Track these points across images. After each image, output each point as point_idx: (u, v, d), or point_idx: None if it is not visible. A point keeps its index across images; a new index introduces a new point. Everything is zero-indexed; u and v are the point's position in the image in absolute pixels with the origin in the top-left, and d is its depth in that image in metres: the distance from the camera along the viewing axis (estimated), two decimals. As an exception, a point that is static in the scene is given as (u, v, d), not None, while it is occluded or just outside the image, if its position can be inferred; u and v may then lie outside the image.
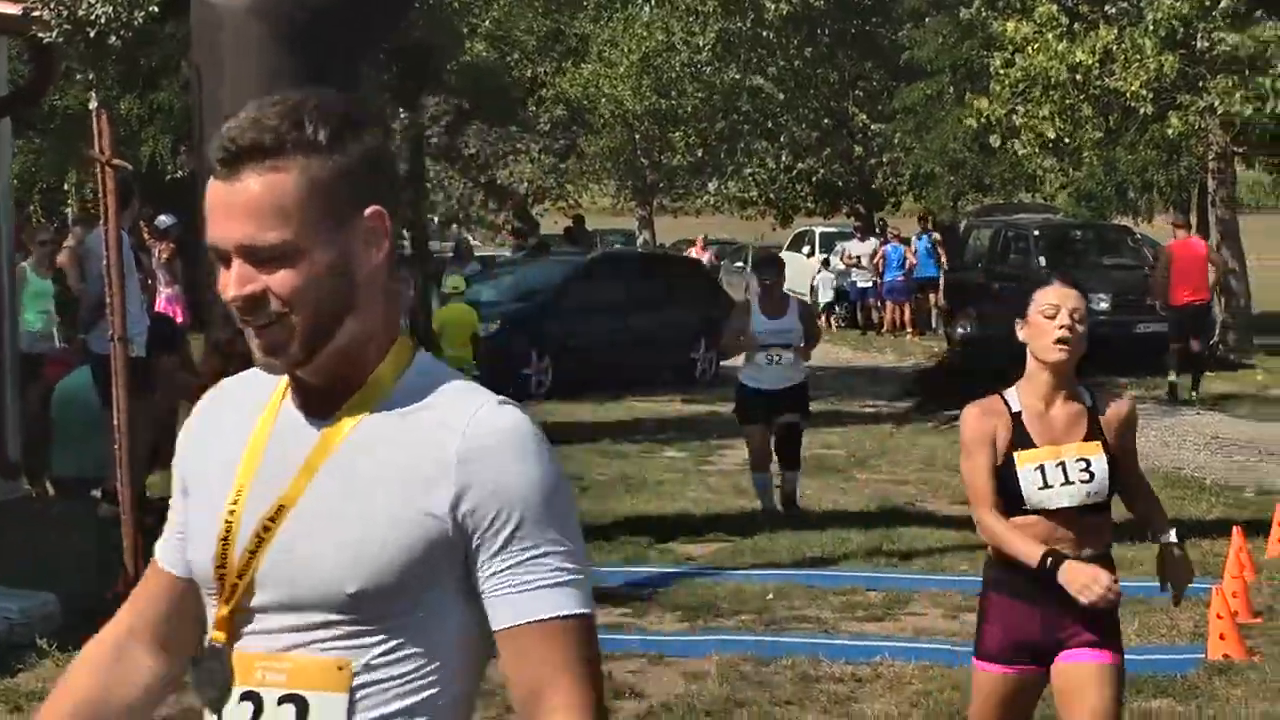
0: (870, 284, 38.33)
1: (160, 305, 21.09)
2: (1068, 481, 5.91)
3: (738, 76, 48.73)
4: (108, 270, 10.56)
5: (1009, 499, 5.92)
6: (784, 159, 49.17)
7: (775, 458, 14.80)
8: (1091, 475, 5.92)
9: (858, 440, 20.02)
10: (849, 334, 38.36)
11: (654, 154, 52.69)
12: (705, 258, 41.02)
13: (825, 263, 41.14)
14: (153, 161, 28.48)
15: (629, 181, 54.84)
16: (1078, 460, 5.91)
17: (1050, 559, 5.70)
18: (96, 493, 14.87)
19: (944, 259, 35.98)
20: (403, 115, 43.51)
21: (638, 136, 51.98)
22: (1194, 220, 37.07)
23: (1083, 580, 5.62)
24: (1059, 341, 5.89)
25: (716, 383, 26.82)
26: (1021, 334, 6.01)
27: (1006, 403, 6.02)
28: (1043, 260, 29.98)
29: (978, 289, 31.09)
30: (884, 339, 36.64)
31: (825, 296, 40.39)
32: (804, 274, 40.66)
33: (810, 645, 10.26)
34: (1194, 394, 24.26)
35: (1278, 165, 33.92)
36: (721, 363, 27.71)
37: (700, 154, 50.85)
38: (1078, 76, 28.58)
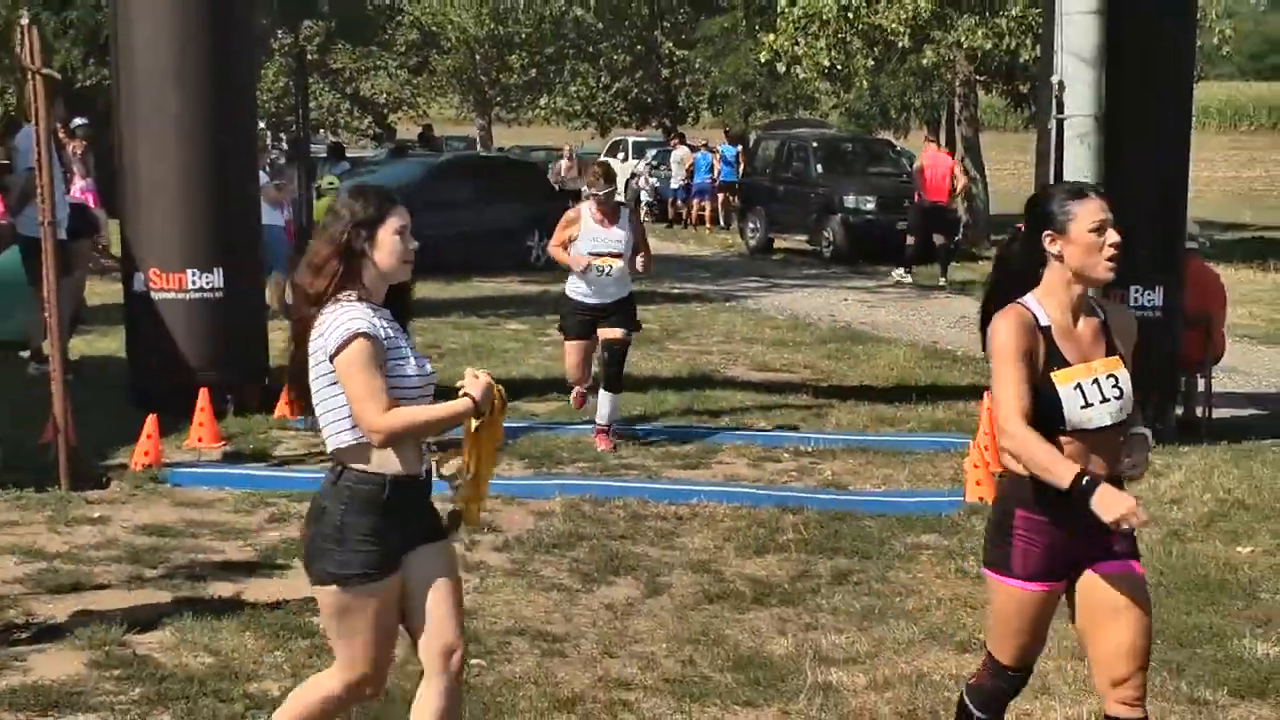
0: (680, 185, 38.20)
1: (75, 194, 20.58)
2: (1104, 399, 4.83)
3: (564, 7, 48.24)
4: (37, 164, 10.22)
5: (1045, 420, 4.78)
6: (603, 79, 48.83)
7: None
8: (1120, 391, 4.85)
9: (668, 316, 19.98)
10: (656, 227, 38.27)
11: (493, 73, 52.11)
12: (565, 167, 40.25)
13: (652, 168, 40.73)
14: (64, 70, 27.61)
15: (471, 96, 54.23)
16: (1108, 377, 4.85)
17: (1086, 480, 4.60)
18: (24, 354, 14.53)
19: (744, 167, 36.16)
20: (282, 35, 42.71)
21: (479, 58, 51.38)
22: (943, 137, 37.40)
23: (1118, 508, 4.54)
24: (1112, 259, 4.85)
25: (549, 267, 26.70)
26: (1054, 247, 4.87)
27: (1035, 317, 4.88)
28: (819, 168, 30.06)
29: (766, 191, 31.13)
30: (688, 231, 36.63)
31: (644, 197, 40.22)
32: (620, 177, 40.44)
33: (638, 489, 10.24)
34: (943, 280, 24.65)
35: (1011, 91, 34.16)
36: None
37: (533, 74, 50.39)
38: (849, 15, 28.63)
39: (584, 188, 11.47)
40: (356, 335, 4.74)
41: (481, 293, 22.46)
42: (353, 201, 4.95)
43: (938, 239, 25.11)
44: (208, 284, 12.44)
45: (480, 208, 25.48)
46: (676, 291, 23.46)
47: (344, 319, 4.77)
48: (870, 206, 28.44)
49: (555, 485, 10.25)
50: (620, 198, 34.37)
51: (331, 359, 4.77)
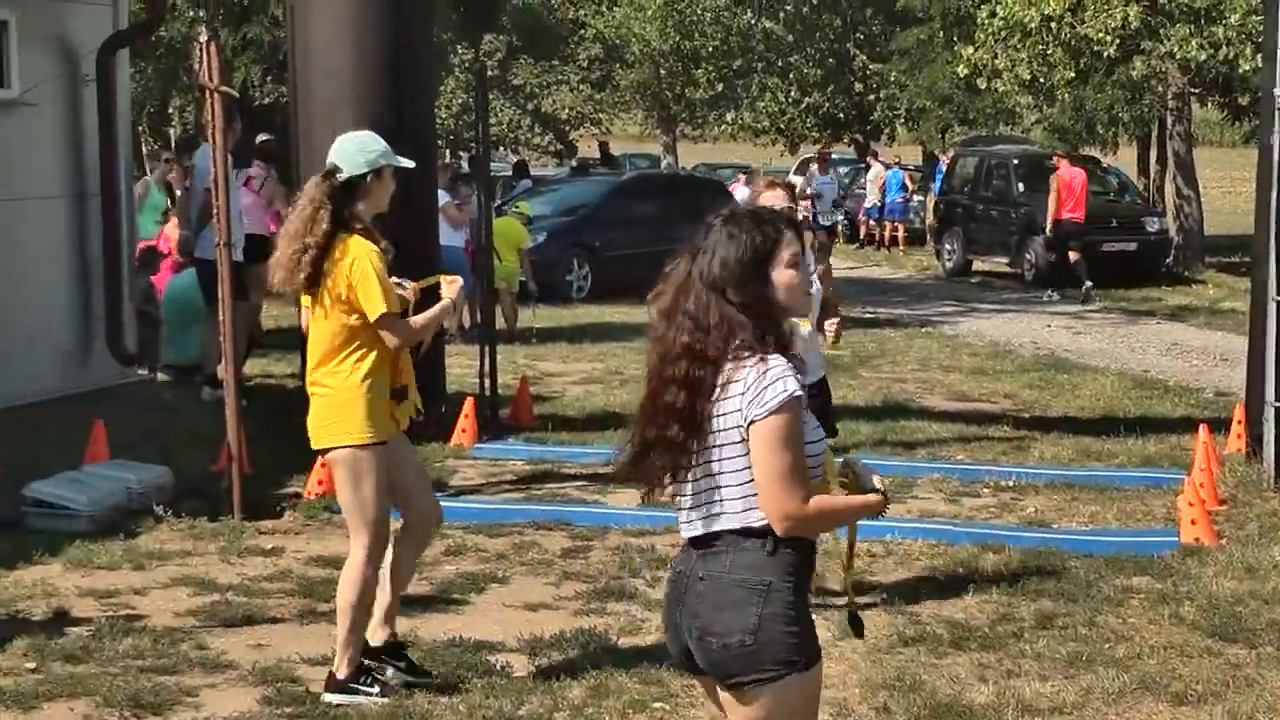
0: (874, 205, 37.94)
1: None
2: None
3: (752, 20, 48.28)
4: (214, 184, 10.41)
5: None
6: (792, 94, 48.72)
7: None
8: None
9: (860, 342, 19.83)
10: (848, 248, 38.08)
11: (678, 87, 52.25)
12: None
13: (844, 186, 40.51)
14: (243, 88, 28.19)
15: (655, 111, 54.43)
16: None
17: None
18: (199, 379, 14.81)
19: (912, 187, 36.53)
20: (462, 50, 43.21)
21: (663, 72, 51.55)
22: (1154, 153, 36.70)
23: None
24: None
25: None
26: None
27: None
28: (1021, 186, 29.70)
29: (964, 211, 30.83)
30: (880, 253, 36.38)
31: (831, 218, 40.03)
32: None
33: (829, 523, 10.14)
34: (1055, 295, 25.63)
35: (1229, 104, 33.45)
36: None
37: (719, 88, 50.42)
38: (1052, 25, 28.26)
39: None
40: (792, 399, 4.18)
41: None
42: (734, 233, 4.35)
43: (1073, 255, 25.72)
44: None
45: (665, 227, 25.52)
46: (869, 316, 23.30)
47: (774, 375, 4.20)
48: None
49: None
50: (826, 220, 34.27)
51: (751, 423, 4.20)
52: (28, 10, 13.77)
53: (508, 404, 13.68)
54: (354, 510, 6.84)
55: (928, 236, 35.47)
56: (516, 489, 11.33)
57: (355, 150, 6.87)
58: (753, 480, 4.23)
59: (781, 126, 49.77)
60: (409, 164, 7.19)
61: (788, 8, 47.84)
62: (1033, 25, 28.23)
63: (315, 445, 6.92)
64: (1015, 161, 30.59)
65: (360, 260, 6.69)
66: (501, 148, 50.16)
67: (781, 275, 4.31)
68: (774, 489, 4.19)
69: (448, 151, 44.88)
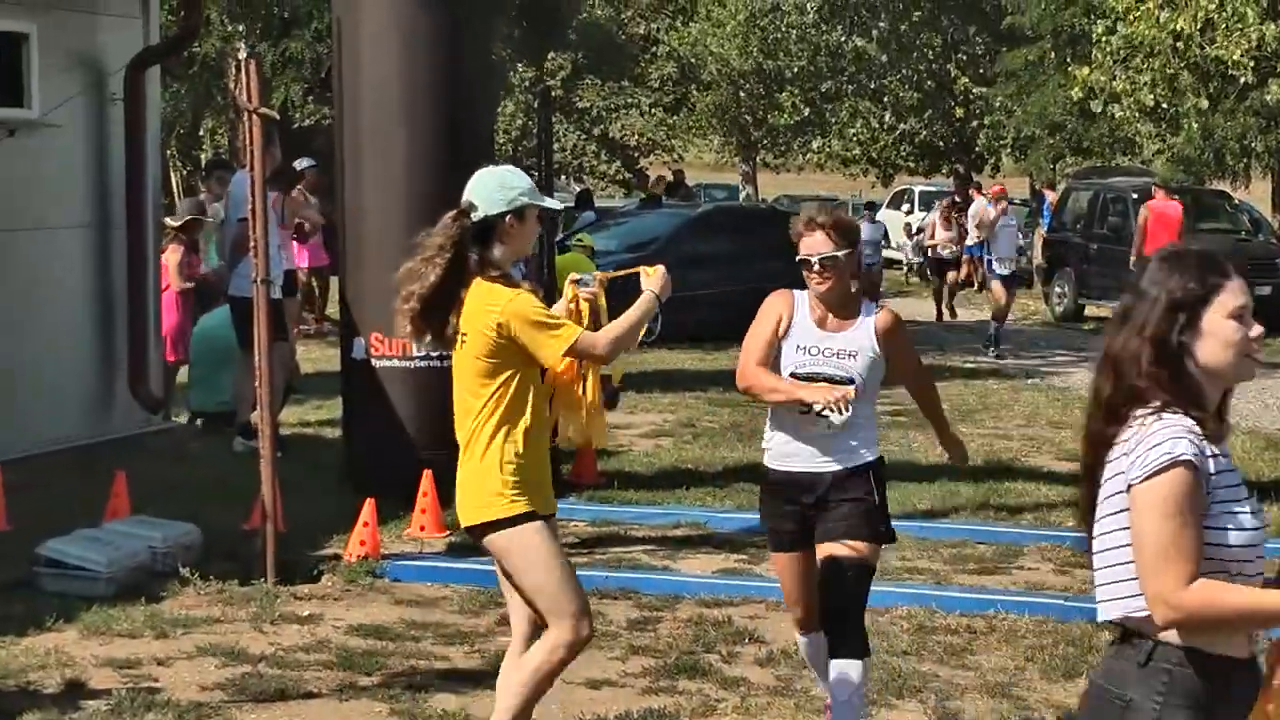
0: (977, 242, 37.76)
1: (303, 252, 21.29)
2: None
3: (843, 38, 48.34)
4: (251, 215, 10.49)
5: None
6: (887, 119, 48.79)
7: None
8: None
9: (959, 395, 19.76)
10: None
11: (759, 112, 52.33)
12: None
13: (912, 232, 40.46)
14: (283, 109, 28.45)
15: (733, 138, 54.52)
16: None
17: None
18: (230, 428, 14.89)
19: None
20: (523, 69, 43.42)
21: (743, 94, 51.65)
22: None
23: None
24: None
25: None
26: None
27: None
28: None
29: (1076, 250, 30.71)
30: (981, 295, 36.23)
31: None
32: (899, 228, 40.25)
33: (925, 597, 10.11)
34: None
35: (1374, 135, 33.27)
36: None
37: (805, 113, 50.49)
38: (1178, 44, 28.17)
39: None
40: (1177, 463, 3.90)
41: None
42: (1165, 274, 4.13)
43: None
44: (435, 351, 12.57)
45: (742, 265, 25.52)
46: (969, 365, 23.22)
47: (1161, 435, 3.95)
48: (1201, 269, 27.87)
49: (828, 590, 10.15)
50: (911, 257, 34.07)
51: (1130, 488, 3.97)
52: (50, 22, 13.88)
53: (569, 459, 13.68)
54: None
55: (1035, 278, 35.35)
56: (578, 553, 11.32)
57: (495, 187, 6.69)
58: (1127, 562, 3.99)
59: (874, 155, 49.90)
60: (556, 205, 7.17)
61: (882, 24, 47.91)
62: (1158, 46, 28.15)
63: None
64: (1134, 195, 30.44)
65: (509, 308, 6.48)
66: (564, 176, 50.38)
67: (1213, 328, 4.08)
68: (1145, 566, 3.89)
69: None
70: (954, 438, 7.79)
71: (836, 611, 7.02)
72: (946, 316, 30.50)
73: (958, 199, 38.97)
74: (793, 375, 7.01)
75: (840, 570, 6.98)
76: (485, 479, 6.49)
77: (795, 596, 7.36)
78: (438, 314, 6.57)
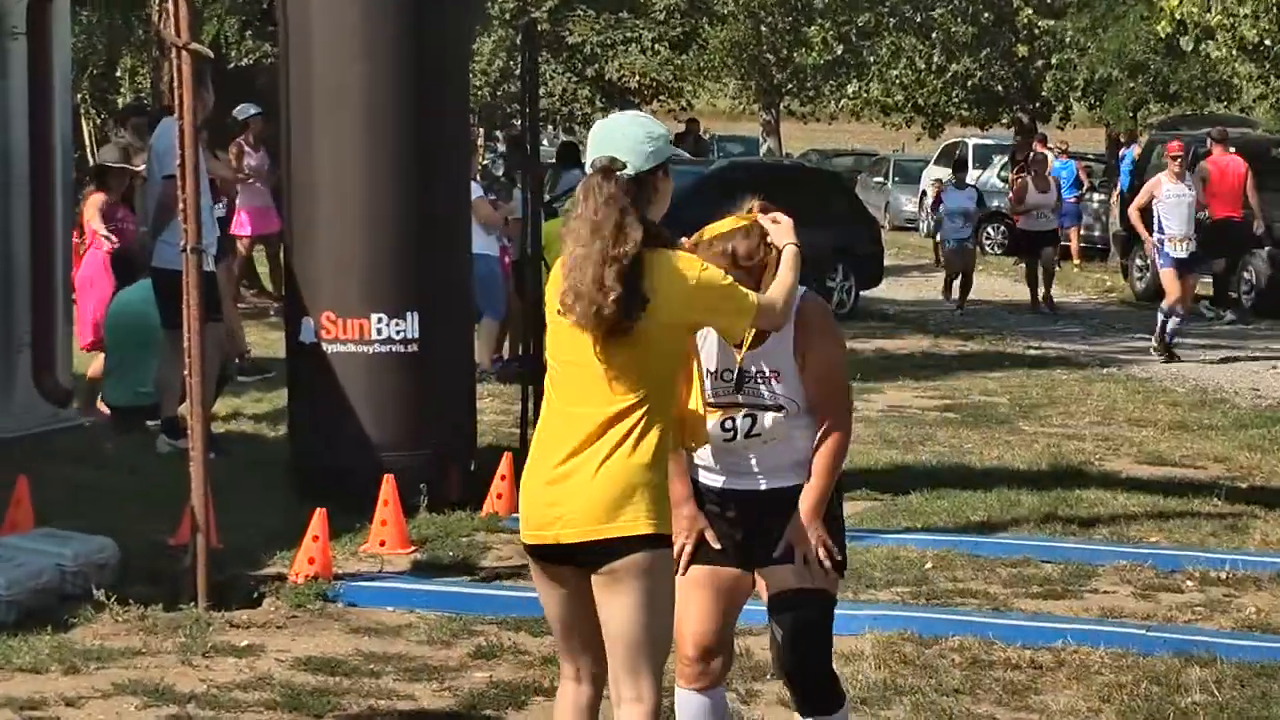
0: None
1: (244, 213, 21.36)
2: None
3: (884, -37, 48.32)
4: (180, 170, 10.49)
5: None
6: (935, 59, 48.70)
7: None
8: None
9: (1021, 386, 19.80)
10: (1004, 261, 37.98)
11: (783, 50, 52.29)
12: None
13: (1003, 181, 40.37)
14: (216, 44, 28.41)
15: (753, 81, 54.48)
16: None
17: None
18: (152, 424, 14.90)
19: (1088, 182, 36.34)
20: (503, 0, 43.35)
21: (764, 29, 51.62)
22: None
23: None
24: None
25: (858, 315, 26.70)
26: None
27: None
28: (1237, 182, 29.54)
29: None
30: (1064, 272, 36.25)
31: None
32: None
33: (980, 625, 10.11)
34: (1219, 312, 27.72)
35: None
36: (861, 293, 27.60)
37: (839, 51, 50.43)
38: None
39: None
40: None
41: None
42: None
43: (1217, 264, 26.89)
44: (398, 334, 12.63)
45: (765, 234, 25.57)
46: (1033, 352, 23.26)
47: None
48: (1314, 240, 28.00)
49: (865, 617, 10.17)
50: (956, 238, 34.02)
51: None
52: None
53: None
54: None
55: (1111, 248, 35.34)
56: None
57: (643, 137, 6.55)
58: None
59: (920, 102, 49.86)
60: (684, 155, 7.11)
61: (930, -57, 47.89)
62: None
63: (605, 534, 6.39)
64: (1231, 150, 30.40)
65: (704, 277, 6.44)
66: (552, 125, 50.35)
67: None
68: None
69: (481, 131, 45.12)
70: (809, 526, 7.03)
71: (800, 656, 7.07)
72: (1043, 306, 29.10)
73: (1020, 156, 39.03)
74: (709, 406, 6.85)
75: (790, 603, 7.02)
76: (648, 477, 6.40)
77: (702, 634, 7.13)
78: (639, 299, 6.38)
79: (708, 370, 6.91)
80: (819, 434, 7.00)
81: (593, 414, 6.38)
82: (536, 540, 6.42)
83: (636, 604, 6.33)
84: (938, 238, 31.44)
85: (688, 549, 6.92)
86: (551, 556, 6.41)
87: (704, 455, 7.06)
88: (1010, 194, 32.14)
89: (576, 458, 6.37)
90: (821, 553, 6.93)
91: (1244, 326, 26.87)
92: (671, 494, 6.50)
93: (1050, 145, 40.10)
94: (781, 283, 6.76)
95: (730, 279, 6.51)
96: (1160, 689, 9.14)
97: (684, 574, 6.89)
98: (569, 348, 6.42)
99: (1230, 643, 9.91)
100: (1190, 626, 10.41)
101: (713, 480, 7.12)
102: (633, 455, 6.34)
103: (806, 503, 6.96)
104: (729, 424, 6.96)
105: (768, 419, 6.95)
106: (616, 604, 6.34)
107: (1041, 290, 29.19)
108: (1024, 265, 30.46)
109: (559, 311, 6.42)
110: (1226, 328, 26.73)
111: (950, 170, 35.00)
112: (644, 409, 6.37)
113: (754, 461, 7.06)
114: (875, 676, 9.20)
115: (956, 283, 29.00)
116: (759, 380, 6.96)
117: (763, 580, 7.08)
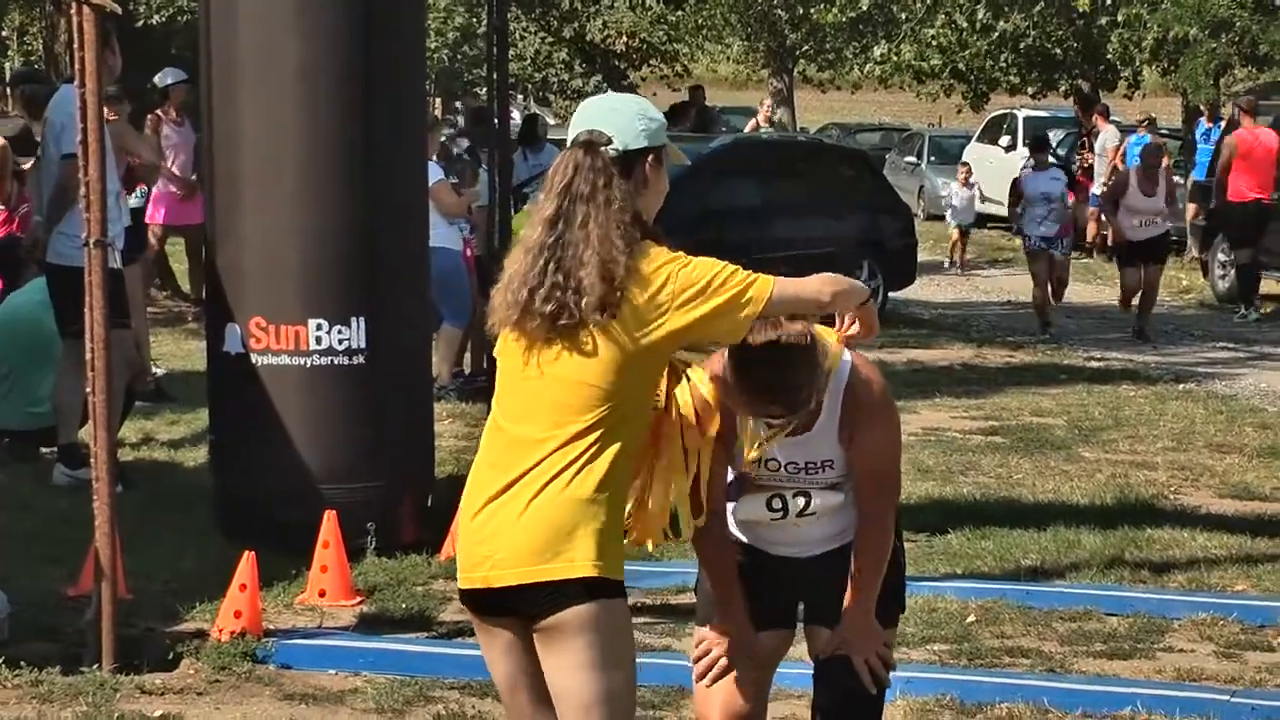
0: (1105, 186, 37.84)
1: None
2: None
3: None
4: (81, 148, 10.50)
5: None
6: (980, 15, 48.76)
7: None
8: None
9: (1081, 404, 19.80)
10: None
11: (797, 6, 52.39)
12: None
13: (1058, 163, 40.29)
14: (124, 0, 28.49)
15: (762, 43, 54.58)
16: None
17: None
18: (48, 451, 14.90)
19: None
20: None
21: (776, -18, 51.76)
22: None
23: None
24: None
25: (887, 320, 26.66)
26: None
27: None
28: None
29: (1246, 204, 30.69)
30: (1112, 265, 36.28)
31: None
32: (1004, 174, 40.27)
33: (1032, 689, 10.15)
34: (1247, 311, 28.31)
35: None
36: (891, 294, 27.59)
37: (864, 7, 50.54)
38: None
39: None
40: None
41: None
42: None
43: (1241, 255, 28.58)
44: (341, 343, 12.63)
45: (777, 222, 25.54)
46: (1095, 365, 23.25)
47: None
48: None
49: (898, 680, 10.13)
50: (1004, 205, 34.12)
51: None
52: None
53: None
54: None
55: (1189, 240, 35.41)
56: (543, 628, 11.36)
57: (635, 114, 6.63)
58: None
59: (961, 67, 49.87)
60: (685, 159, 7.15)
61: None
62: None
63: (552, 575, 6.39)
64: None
65: (685, 263, 6.42)
66: (524, 95, 50.40)
67: None
68: None
69: (438, 100, 45.12)
70: (864, 628, 7.15)
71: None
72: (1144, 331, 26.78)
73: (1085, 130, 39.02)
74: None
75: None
76: (592, 513, 6.38)
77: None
78: (613, 300, 6.36)
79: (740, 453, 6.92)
80: (860, 520, 7.00)
81: (536, 435, 6.38)
82: (467, 584, 6.44)
83: (582, 663, 6.34)
84: (1023, 234, 28.12)
85: (722, 662, 6.99)
86: (488, 605, 6.43)
87: (730, 521, 7.11)
88: (1102, 188, 32.28)
89: (513, 488, 6.38)
90: (875, 662, 6.98)
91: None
92: (716, 594, 6.55)
93: (1109, 118, 39.96)
94: (825, 279, 6.64)
95: (725, 268, 6.40)
96: (1247, 765, 9.20)
97: (708, 684, 6.94)
98: (513, 352, 6.45)
99: (1330, 710, 9.97)
100: (1282, 691, 10.46)
101: (741, 535, 7.17)
102: (572, 487, 6.32)
103: (859, 604, 6.99)
104: (777, 503, 6.98)
105: (824, 497, 7.00)
106: (559, 663, 6.36)
107: (1137, 320, 26.56)
108: (1119, 278, 27.54)
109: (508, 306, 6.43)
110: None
111: (1028, 150, 34.92)
112: (597, 434, 6.35)
113: (800, 533, 7.12)
114: (909, 750, 9.24)
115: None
116: (808, 470, 6.98)
117: (806, 637, 7.15)
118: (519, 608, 6.33)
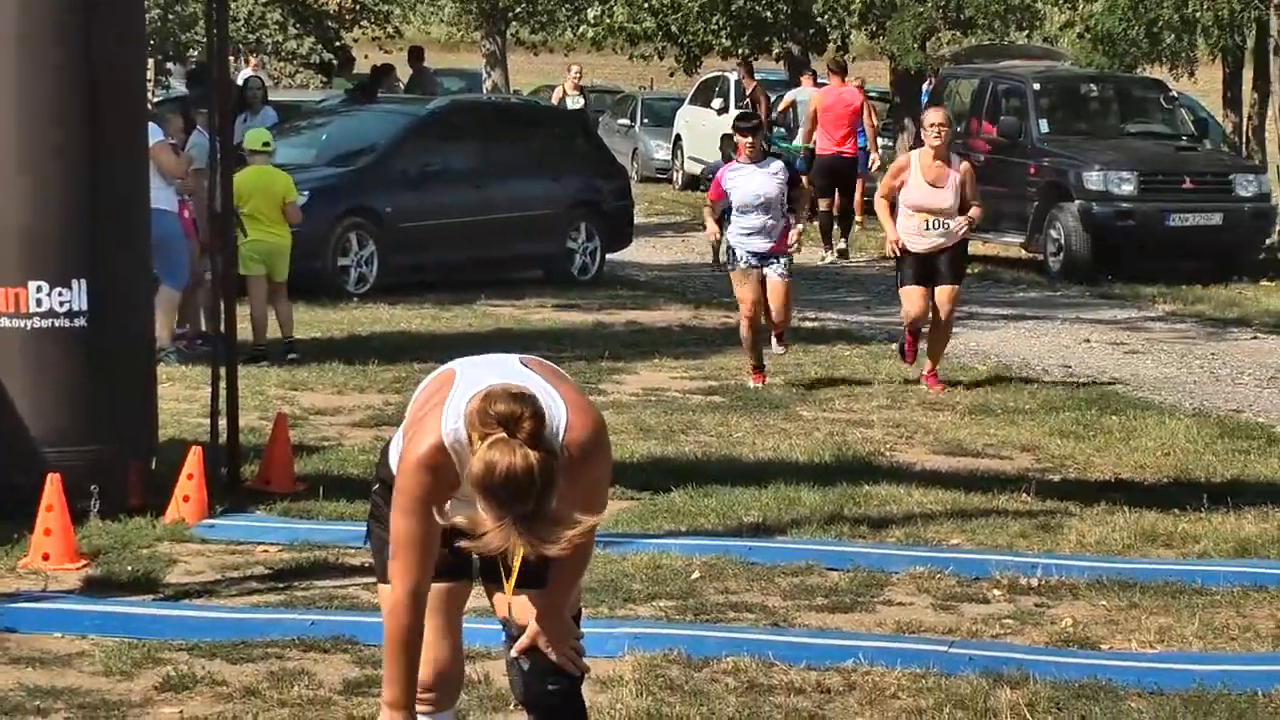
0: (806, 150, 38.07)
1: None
2: None
3: None
4: None
5: None
6: (692, -20, 48.91)
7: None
8: None
9: (800, 364, 19.80)
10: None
11: (511, -33, 52.31)
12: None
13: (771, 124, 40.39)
14: None
15: (473, 4, 54.42)
16: None
17: None
18: None
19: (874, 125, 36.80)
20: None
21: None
22: (1250, 71, 36.97)
23: None
24: None
25: (603, 282, 26.68)
26: None
27: None
28: (1043, 123, 29.97)
29: (956, 162, 31.11)
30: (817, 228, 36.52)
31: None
32: (716, 136, 40.40)
33: (757, 643, 10.22)
34: (829, 254, 31.07)
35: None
36: (609, 255, 27.62)
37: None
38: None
39: None
40: None
41: (499, 324, 22.45)
42: None
43: (823, 203, 30.72)
44: (62, 305, 12.52)
45: (492, 186, 25.51)
46: (811, 324, 23.38)
47: None
48: (1128, 189, 28.33)
49: (624, 636, 10.23)
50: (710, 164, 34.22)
51: None
52: None
53: (255, 458, 13.65)
54: None
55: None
56: (270, 589, 11.32)
57: None
58: None
59: (673, 30, 49.97)
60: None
61: None
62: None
63: None
64: (1036, 86, 30.86)
65: None
66: (238, 56, 49.99)
67: None
68: None
69: (151, 63, 44.65)
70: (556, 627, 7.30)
71: None
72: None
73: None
74: None
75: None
76: None
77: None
78: None
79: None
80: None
81: None
82: None
83: None
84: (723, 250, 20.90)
85: None
86: None
87: None
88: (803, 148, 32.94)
89: None
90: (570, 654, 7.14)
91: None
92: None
93: (818, 81, 39.90)
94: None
95: None
96: (965, 714, 9.29)
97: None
98: None
99: (1044, 660, 10.10)
100: (998, 642, 10.59)
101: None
102: None
103: (551, 607, 7.17)
104: None
105: None
106: None
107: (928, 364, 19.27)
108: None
109: None
110: (1033, 295, 27.01)
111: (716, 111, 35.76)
112: None
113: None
114: (637, 705, 9.25)
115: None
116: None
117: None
118: None
